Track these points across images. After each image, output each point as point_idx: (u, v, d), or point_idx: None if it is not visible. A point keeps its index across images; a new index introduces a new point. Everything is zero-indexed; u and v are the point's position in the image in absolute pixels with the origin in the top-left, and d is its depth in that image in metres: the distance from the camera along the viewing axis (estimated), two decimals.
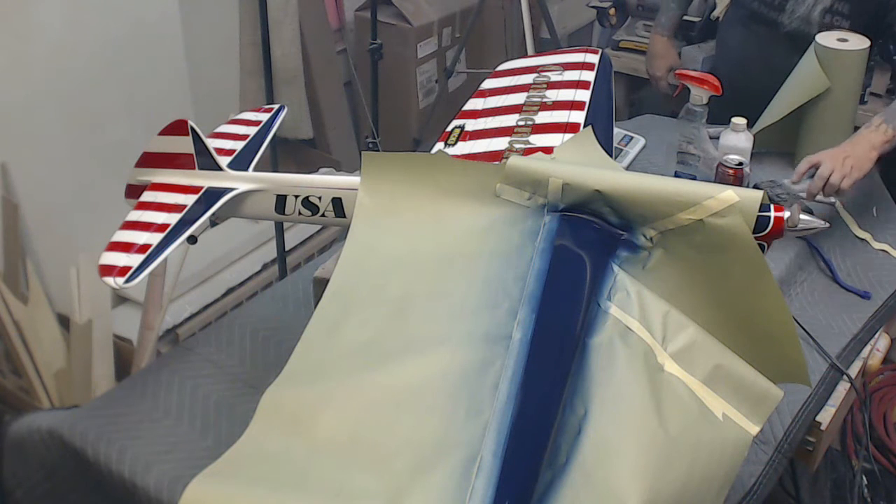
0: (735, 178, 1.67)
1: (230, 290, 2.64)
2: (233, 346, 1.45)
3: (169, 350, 2.27)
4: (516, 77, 1.51)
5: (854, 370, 1.53)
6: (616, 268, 1.05)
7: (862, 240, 1.82)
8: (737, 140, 1.74)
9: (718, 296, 1.04)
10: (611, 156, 1.24)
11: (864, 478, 1.89)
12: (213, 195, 1.22)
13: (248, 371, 1.40)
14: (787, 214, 1.06)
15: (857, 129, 1.78)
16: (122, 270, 1.13)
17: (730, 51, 2.24)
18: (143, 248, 1.16)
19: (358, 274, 1.06)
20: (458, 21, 3.53)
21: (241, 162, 1.30)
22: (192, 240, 1.21)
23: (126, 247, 1.17)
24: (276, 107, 1.45)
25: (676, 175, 1.80)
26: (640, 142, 2.01)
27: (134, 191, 1.27)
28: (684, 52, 2.63)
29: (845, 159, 1.66)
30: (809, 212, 1.75)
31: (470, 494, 0.84)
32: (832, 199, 1.84)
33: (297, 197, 1.22)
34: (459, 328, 0.99)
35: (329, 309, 1.02)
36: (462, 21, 3.50)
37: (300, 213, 1.23)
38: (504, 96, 1.45)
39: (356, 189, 1.12)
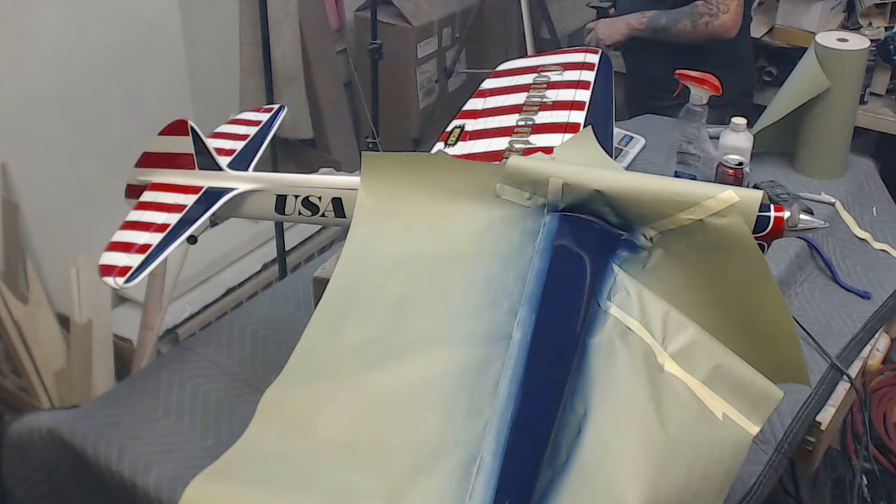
0: (735, 178, 1.67)
1: (230, 290, 2.64)
2: (233, 346, 1.45)
3: (169, 350, 2.27)
4: (516, 77, 1.51)
5: (854, 370, 1.53)
6: (616, 268, 1.05)
7: (862, 240, 1.82)
8: (737, 140, 1.74)
9: (718, 296, 1.04)
10: (611, 156, 1.24)
11: (864, 478, 1.88)
12: (213, 195, 1.22)
13: (248, 371, 1.40)
14: (787, 214, 1.06)
15: (857, 129, 1.78)
16: (122, 270, 1.13)
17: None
18: (143, 248, 1.16)
19: (358, 274, 1.06)
20: (458, 21, 3.53)
21: (241, 162, 1.30)
22: (192, 240, 1.21)
23: (126, 247, 1.16)
24: (276, 107, 1.45)
25: (676, 175, 1.80)
26: (640, 142, 2.01)
27: (134, 191, 1.27)
28: None
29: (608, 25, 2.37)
30: (809, 212, 1.76)
31: (470, 494, 0.84)
32: (832, 199, 1.84)
33: (297, 197, 1.22)
34: (459, 328, 0.99)
35: (329, 309, 1.02)
36: (462, 21, 3.50)
37: (300, 213, 1.23)
38: (504, 96, 1.45)
39: (356, 189, 1.12)
